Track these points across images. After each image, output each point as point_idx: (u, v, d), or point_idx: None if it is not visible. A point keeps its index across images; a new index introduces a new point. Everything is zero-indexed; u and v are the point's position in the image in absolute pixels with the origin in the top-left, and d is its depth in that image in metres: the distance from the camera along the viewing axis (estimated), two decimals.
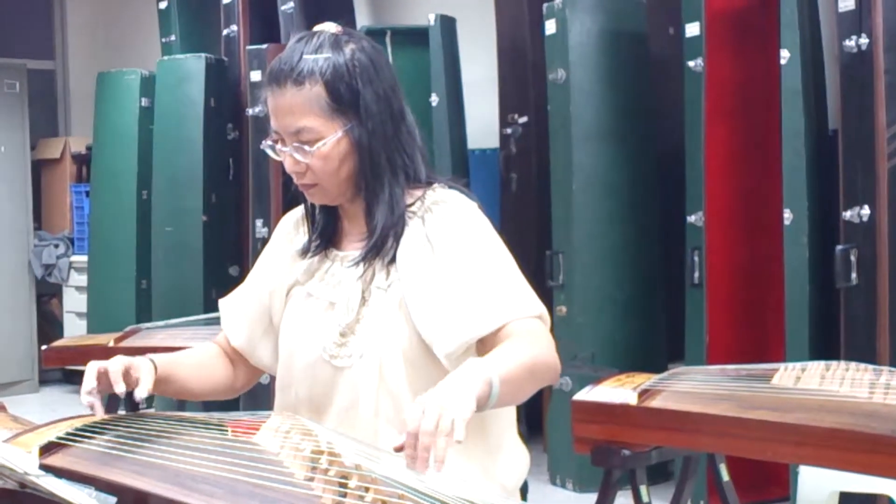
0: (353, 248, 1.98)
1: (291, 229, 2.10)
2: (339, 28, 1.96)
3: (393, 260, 1.91)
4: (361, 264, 1.93)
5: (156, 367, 1.93)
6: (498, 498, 1.54)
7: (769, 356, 4.35)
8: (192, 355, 2.12)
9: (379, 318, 1.90)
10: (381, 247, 1.91)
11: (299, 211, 2.08)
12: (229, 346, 2.13)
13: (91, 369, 1.85)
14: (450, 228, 1.91)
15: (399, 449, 1.55)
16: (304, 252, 2.02)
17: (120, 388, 1.83)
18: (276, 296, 2.05)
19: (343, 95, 1.88)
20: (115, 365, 1.86)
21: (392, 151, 1.92)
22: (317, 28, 1.96)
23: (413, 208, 1.94)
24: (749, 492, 4.21)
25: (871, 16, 3.77)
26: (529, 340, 1.81)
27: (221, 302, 2.16)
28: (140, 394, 1.86)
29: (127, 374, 1.86)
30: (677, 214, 4.66)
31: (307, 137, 1.88)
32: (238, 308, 2.13)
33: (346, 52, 1.90)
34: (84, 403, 1.83)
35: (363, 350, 1.90)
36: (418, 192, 1.96)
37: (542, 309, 1.90)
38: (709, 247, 4.50)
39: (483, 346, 1.86)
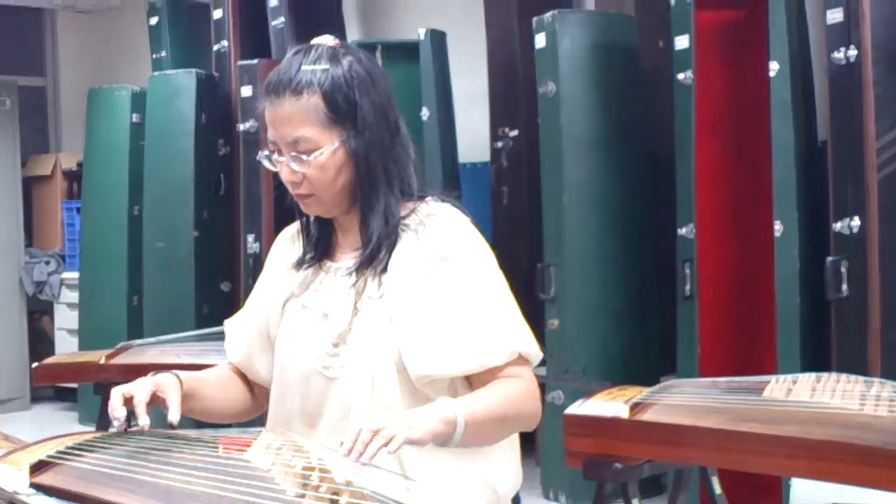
0: (346, 259, 1.99)
1: (287, 243, 2.11)
2: (337, 41, 1.98)
3: (385, 269, 1.92)
4: (354, 274, 1.94)
5: (181, 383, 1.93)
6: None
7: (761, 368, 4.35)
8: (214, 374, 2.12)
9: (370, 329, 1.91)
10: (375, 257, 1.92)
11: (295, 226, 2.09)
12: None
13: (117, 397, 1.83)
14: (443, 248, 1.91)
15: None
16: (299, 264, 2.03)
17: (144, 421, 1.82)
18: (273, 310, 2.06)
19: (340, 106, 1.89)
20: (142, 393, 1.85)
21: (388, 162, 1.94)
22: (314, 41, 1.97)
23: (407, 221, 1.95)
24: None
25: (859, 28, 3.79)
26: (510, 391, 1.87)
27: (226, 322, 2.17)
28: (172, 417, 1.85)
29: (154, 396, 1.86)
30: (668, 227, 4.67)
31: (304, 147, 1.89)
32: (239, 326, 2.14)
33: (343, 65, 1.91)
34: (116, 426, 1.82)
35: (355, 360, 1.91)
36: (411, 205, 1.97)
37: (527, 346, 1.92)
38: (700, 259, 4.51)
39: (465, 378, 1.90)
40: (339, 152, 1.90)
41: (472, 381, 1.90)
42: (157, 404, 1.87)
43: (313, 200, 1.95)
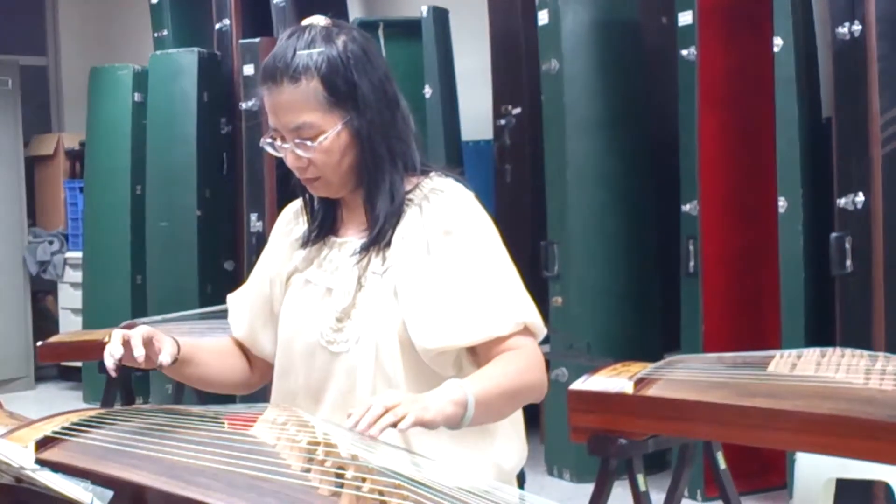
0: (351, 235, 1.99)
1: (291, 219, 2.11)
2: (328, 20, 1.96)
3: (389, 244, 1.92)
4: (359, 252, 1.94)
5: (178, 346, 1.94)
6: (493, 484, 1.54)
7: (765, 344, 4.35)
8: (213, 343, 2.13)
9: (374, 303, 1.91)
10: (381, 235, 1.92)
11: (299, 202, 2.09)
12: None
13: (116, 337, 1.84)
14: (447, 221, 1.91)
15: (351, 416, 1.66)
16: (304, 242, 2.03)
17: (139, 353, 1.83)
18: (276, 284, 2.06)
19: (340, 88, 1.88)
20: (138, 332, 1.86)
21: (390, 140, 1.93)
22: (305, 22, 1.96)
23: (410, 196, 1.95)
24: (746, 480, 4.22)
25: (863, 3, 3.77)
26: (516, 363, 1.86)
27: (229, 297, 2.17)
28: (164, 358, 1.86)
29: (149, 344, 1.87)
30: (672, 203, 4.66)
31: (308, 133, 1.89)
32: (242, 300, 2.14)
33: (338, 45, 1.90)
34: (108, 364, 1.83)
35: (359, 335, 1.91)
36: (415, 180, 1.97)
37: (532, 317, 1.91)
38: (703, 235, 4.50)
39: (470, 349, 1.89)
40: (343, 134, 1.89)
41: (478, 353, 1.89)
42: (151, 353, 1.86)
43: (320, 183, 1.95)
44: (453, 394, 1.74)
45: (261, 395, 2.15)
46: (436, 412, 1.70)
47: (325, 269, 1.98)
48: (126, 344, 1.84)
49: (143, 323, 4.38)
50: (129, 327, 4.55)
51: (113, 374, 1.86)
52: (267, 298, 2.08)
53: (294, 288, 2.02)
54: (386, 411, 1.64)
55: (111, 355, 1.83)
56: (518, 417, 1.99)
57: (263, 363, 2.12)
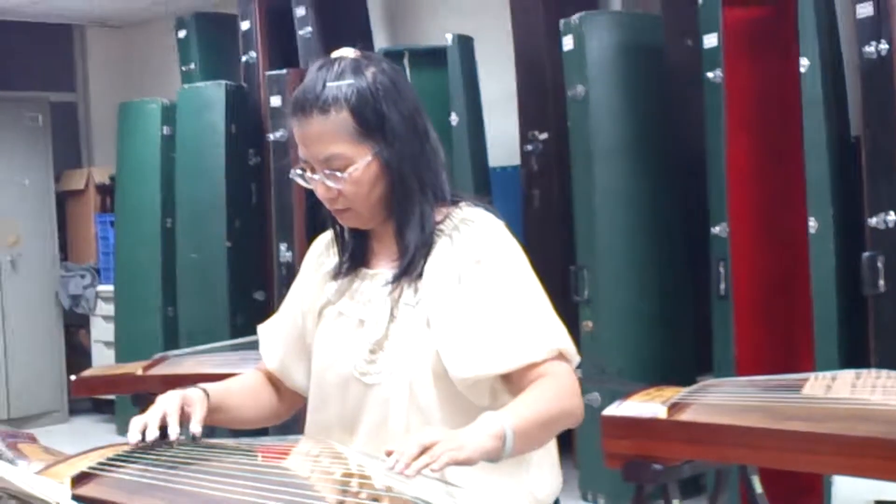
0: (382, 267, 1.99)
1: (323, 251, 2.11)
2: (358, 52, 1.97)
3: (420, 276, 1.92)
4: (391, 283, 1.94)
5: (208, 397, 1.94)
6: None
7: (798, 366, 4.32)
8: (241, 382, 2.13)
9: (407, 335, 1.91)
10: (412, 266, 1.92)
11: (330, 233, 2.09)
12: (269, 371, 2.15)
13: (155, 418, 1.84)
14: (478, 251, 1.91)
15: (389, 454, 1.62)
16: (336, 274, 2.03)
17: (174, 431, 1.83)
18: (308, 317, 2.06)
19: (370, 119, 1.89)
20: (173, 406, 1.86)
21: (420, 170, 1.94)
22: (335, 54, 1.97)
23: (441, 226, 1.95)
24: (783, 503, 4.18)
25: (890, 21, 3.75)
26: (552, 390, 1.83)
27: (259, 327, 2.18)
28: (194, 428, 1.87)
29: (181, 410, 1.87)
30: (701, 226, 4.64)
31: (337, 164, 1.89)
32: (274, 332, 2.14)
33: (367, 76, 1.91)
34: (131, 438, 1.82)
35: (392, 367, 1.91)
36: (445, 210, 1.97)
37: (565, 343, 1.90)
38: (734, 257, 4.48)
39: (505, 377, 1.88)
40: (373, 166, 1.90)
41: (513, 381, 1.88)
42: (182, 418, 1.87)
43: (350, 214, 1.95)
44: (491, 428, 1.71)
45: (294, 426, 2.15)
46: (472, 450, 1.66)
47: (358, 301, 1.99)
48: (162, 419, 1.84)
49: (175, 356, 4.42)
50: (162, 360, 4.57)
51: (132, 441, 1.84)
52: (300, 331, 2.08)
53: (327, 320, 2.02)
54: (422, 451, 1.62)
55: (140, 431, 1.82)
56: (552, 445, 1.98)
57: (293, 393, 2.12)
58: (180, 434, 1.84)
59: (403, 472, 1.59)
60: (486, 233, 1.94)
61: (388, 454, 1.62)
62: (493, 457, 1.70)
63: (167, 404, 1.86)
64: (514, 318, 1.87)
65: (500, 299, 1.88)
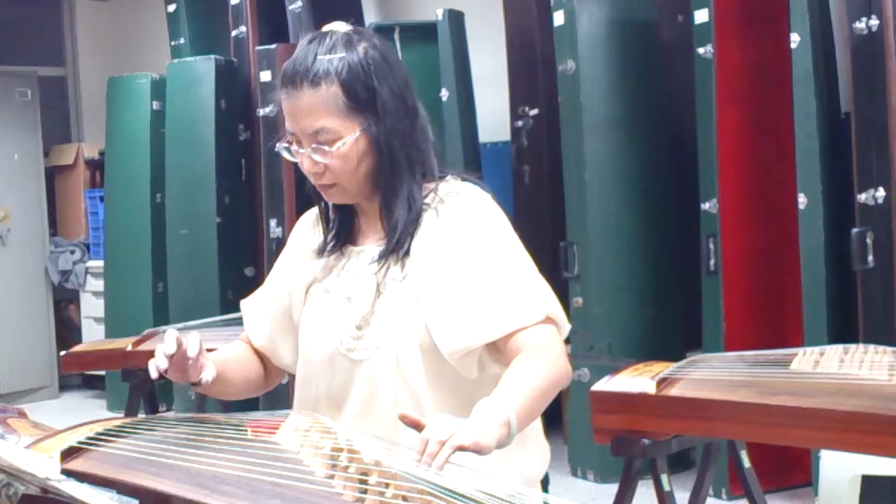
0: (369, 243, 1.99)
1: (308, 228, 2.11)
2: (349, 27, 1.96)
3: (408, 252, 1.92)
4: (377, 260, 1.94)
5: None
6: (517, 488, 1.54)
7: (787, 341, 4.34)
8: (233, 355, 2.12)
9: (394, 310, 1.91)
10: (399, 244, 1.92)
11: (315, 211, 2.09)
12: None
13: (171, 339, 1.82)
14: (463, 222, 1.91)
15: (404, 417, 1.63)
16: (321, 251, 2.03)
17: (193, 351, 1.83)
18: (295, 295, 2.06)
19: (360, 94, 1.88)
20: (194, 348, 1.85)
21: (409, 148, 1.93)
22: (326, 28, 1.96)
23: (427, 200, 1.95)
24: (771, 478, 4.21)
25: None
26: (541, 358, 1.82)
27: (243, 303, 2.17)
28: (206, 376, 1.88)
29: (196, 358, 1.87)
30: (691, 202, 4.65)
31: (326, 138, 1.89)
32: (259, 309, 2.14)
33: (359, 51, 1.90)
34: (157, 365, 1.80)
35: (379, 342, 1.91)
36: (431, 185, 1.97)
37: (553, 308, 1.90)
38: (723, 233, 4.49)
39: (492, 347, 1.87)
40: (361, 141, 1.89)
41: (500, 349, 1.87)
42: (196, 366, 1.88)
43: (336, 189, 1.94)
44: (499, 416, 1.67)
45: (284, 402, 2.15)
46: (485, 442, 1.62)
47: (344, 279, 1.98)
48: (179, 348, 1.83)
49: (165, 331, 4.42)
50: (151, 336, 4.57)
51: (154, 375, 1.83)
52: (286, 309, 2.08)
53: (313, 298, 2.02)
54: (441, 446, 1.57)
55: (164, 355, 1.81)
56: (538, 423, 1.98)
57: (278, 367, 2.12)
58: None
59: (431, 469, 1.55)
60: (471, 204, 1.94)
61: (403, 419, 1.62)
62: (501, 443, 1.67)
63: (191, 348, 1.84)
64: (501, 285, 1.87)
65: (488, 267, 1.88)
